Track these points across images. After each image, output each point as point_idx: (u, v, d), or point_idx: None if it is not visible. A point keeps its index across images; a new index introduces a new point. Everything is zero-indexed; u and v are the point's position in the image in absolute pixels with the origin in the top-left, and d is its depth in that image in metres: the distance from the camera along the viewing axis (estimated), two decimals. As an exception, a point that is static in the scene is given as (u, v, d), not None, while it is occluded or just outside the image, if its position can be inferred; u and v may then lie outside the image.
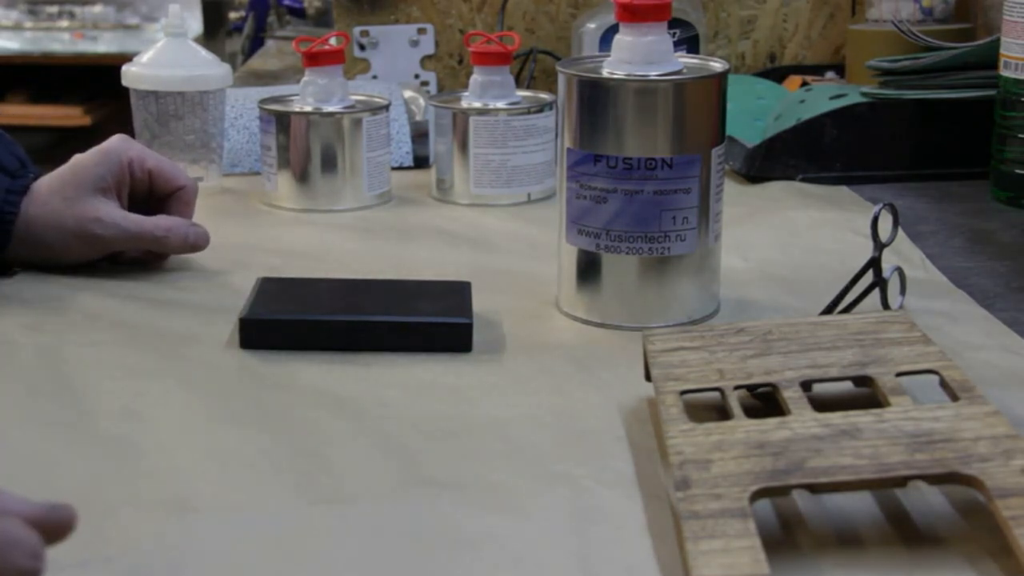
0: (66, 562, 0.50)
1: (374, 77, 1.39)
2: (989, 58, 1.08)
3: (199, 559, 0.51)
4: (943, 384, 0.59)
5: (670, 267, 0.76)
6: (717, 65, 0.77)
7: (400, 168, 1.18)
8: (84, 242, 0.86)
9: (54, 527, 0.45)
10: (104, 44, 3.72)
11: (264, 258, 0.92)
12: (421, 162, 1.20)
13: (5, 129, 0.90)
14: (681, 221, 0.75)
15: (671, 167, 0.74)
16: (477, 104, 1.07)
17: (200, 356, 0.73)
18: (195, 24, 3.34)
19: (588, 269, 0.78)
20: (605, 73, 0.76)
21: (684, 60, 0.78)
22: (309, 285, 0.80)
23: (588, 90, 0.76)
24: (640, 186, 0.75)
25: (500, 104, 1.07)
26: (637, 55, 0.76)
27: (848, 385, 0.63)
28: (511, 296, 0.83)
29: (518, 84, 1.19)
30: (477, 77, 1.08)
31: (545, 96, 1.10)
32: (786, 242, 0.95)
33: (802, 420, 0.55)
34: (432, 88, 1.40)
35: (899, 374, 0.60)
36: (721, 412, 0.60)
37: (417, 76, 1.39)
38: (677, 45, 0.79)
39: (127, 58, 1.12)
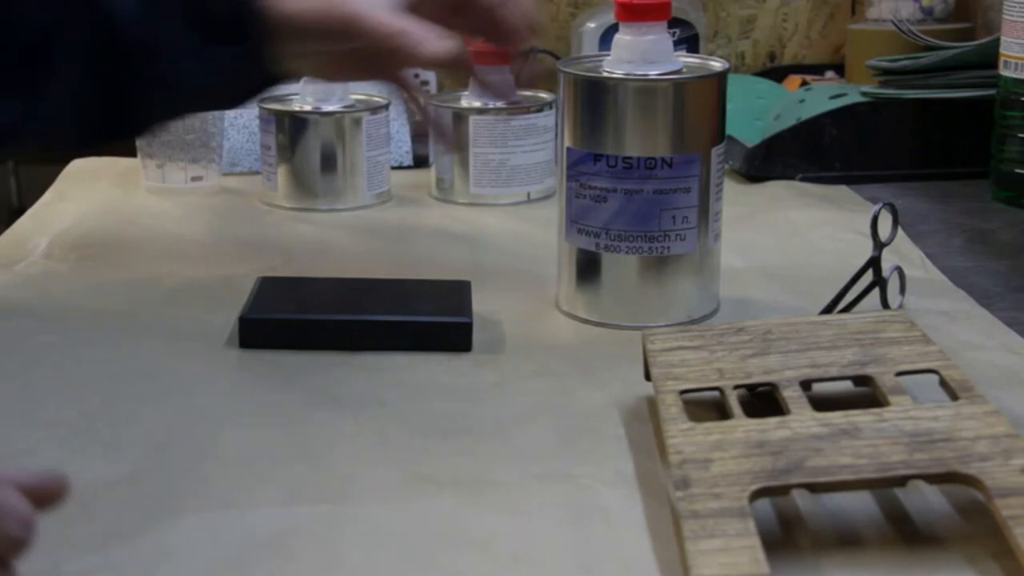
0: (66, 562, 0.50)
1: (374, 77, 1.39)
2: (989, 58, 1.08)
3: (198, 559, 0.51)
4: (943, 383, 0.59)
5: (670, 266, 0.76)
6: (717, 64, 0.78)
7: (400, 168, 1.18)
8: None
9: (46, 494, 0.45)
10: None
11: (264, 258, 0.92)
12: (421, 162, 1.20)
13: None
14: (681, 220, 0.75)
15: (671, 166, 0.74)
16: (477, 104, 1.07)
17: (200, 356, 0.73)
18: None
19: (588, 268, 0.78)
20: (605, 72, 0.76)
21: (684, 59, 0.78)
22: (309, 285, 0.80)
23: (588, 89, 0.76)
24: (640, 185, 0.75)
25: (500, 103, 1.07)
26: (637, 54, 0.76)
27: (848, 384, 0.63)
28: (511, 296, 0.83)
29: (518, 84, 1.18)
30: (477, 77, 1.08)
31: (545, 95, 1.10)
32: (786, 242, 0.95)
33: (802, 419, 0.55)
34: (432, 88, 1.40)
35: (899, 373, 0.60)
36: (721, 411, 0.60)
37: (417, 75, 1.39)
38: (677, 45, 0.79)
39: (127, 58, 1.12)
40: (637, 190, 0.75)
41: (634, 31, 0.76)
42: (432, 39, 0.72)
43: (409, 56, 0.73)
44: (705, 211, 0.76)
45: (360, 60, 0.78)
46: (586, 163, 0.76)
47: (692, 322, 0.77)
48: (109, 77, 0.74)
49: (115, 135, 0.81)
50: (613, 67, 0.77)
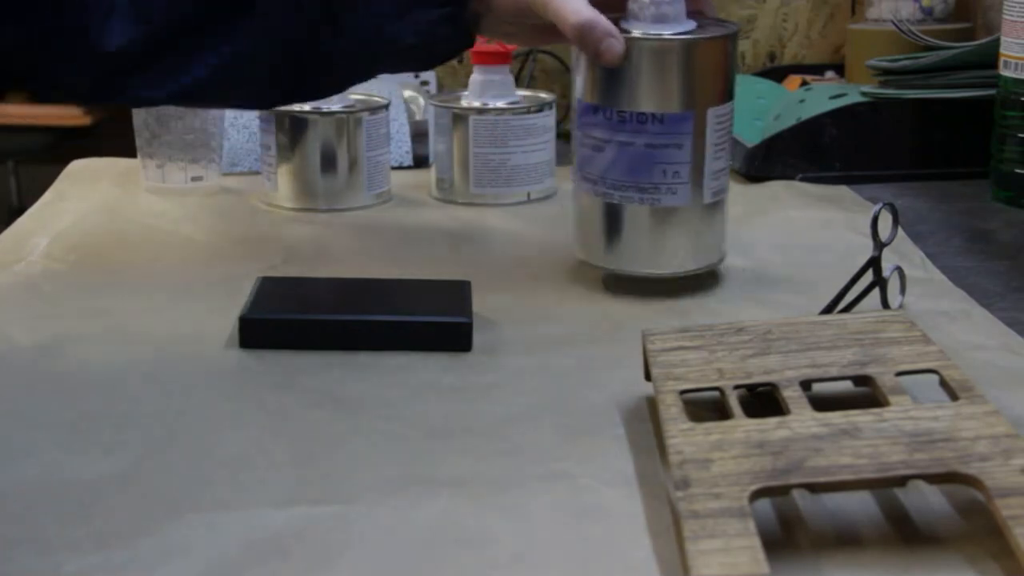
0: (66, 562, 0.50)
1: (374, 77, 1.39)
2: (989, 58, 1.08)
3: (198, 559, 0.51)
4: (943, 383, 0.59)
5: (665, 218, 0.80)
6: (728, 28, 0.81)
7: (400, 168, 1.18)
8: None
9: None
10: (104, 44, 3.70)
11: (264, 258, 0.92)
12: (421, 162, 1.20)
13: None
14: (672, 175, 0.79)
15: (662, 122, 0.78)
16: (477, 104, 1.07)
17: (200, 356, 0.73)
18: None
19: (591, 216, 0.82)
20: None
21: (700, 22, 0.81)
22: (309, 285, 0.80)
23: None
24: (632, 138, 0.78)
25: (500, 103, 1.07)
26: (649, 14, 0.78)
27: (848, 384, 0.63)
28: (511, 296, 0.83)
29: (518, 83, 1.19)
30: (477, 76, 1.08)
31: (545, 95, 1.10)
32: (786, 242, 0.95)
33: (802, 419, 0.55)
34: (432, 87, 1.40)
35: (899, 373, 0.60)
36: (721, 411, 0.60)
37: (417, 75, 1.39)
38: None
39: (127, 58, 1.11)
40: (630, 143, 0.78)
41: None
42: (609, 42, 0.76)
43: (585, 50, 0.77)
44: (700, 168, 0.79)
45: (553, 30, 0.81)
46: (588, 114, 0.80)
47: (692, 273, 0.81)
48: (308, 29, 0.78)
49: (307, 92, 0.85)
50: (630, 27, 0.79)
